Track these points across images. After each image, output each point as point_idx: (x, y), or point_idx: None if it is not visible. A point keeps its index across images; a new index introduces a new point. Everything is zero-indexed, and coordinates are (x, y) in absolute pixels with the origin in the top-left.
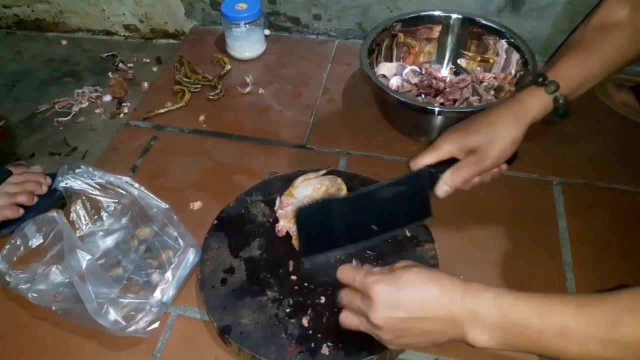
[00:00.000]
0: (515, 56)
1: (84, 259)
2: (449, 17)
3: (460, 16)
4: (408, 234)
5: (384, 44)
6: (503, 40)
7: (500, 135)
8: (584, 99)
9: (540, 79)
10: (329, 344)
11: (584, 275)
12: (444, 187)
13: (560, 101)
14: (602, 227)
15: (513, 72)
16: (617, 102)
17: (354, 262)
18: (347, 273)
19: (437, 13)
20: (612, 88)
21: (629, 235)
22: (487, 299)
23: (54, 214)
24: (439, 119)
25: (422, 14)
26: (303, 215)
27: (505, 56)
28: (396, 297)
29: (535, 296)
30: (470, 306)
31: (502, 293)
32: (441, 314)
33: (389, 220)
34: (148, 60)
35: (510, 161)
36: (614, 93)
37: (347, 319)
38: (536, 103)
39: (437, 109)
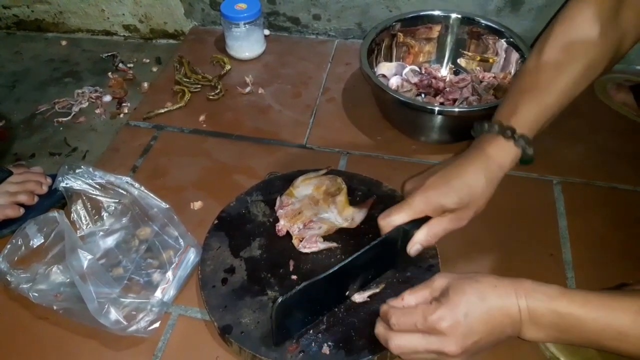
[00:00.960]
0: (515, 56)
1: (85, 258)
2: (449, 17)
3: (459, 16)
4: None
5: (384, 44)
6: (502, 40)
7: (477, 196)
8: (583, 99)
9: (509, 132)
10: (329, 343)
11: (585, 274)
12: (416, 246)
13: (529, 153)
14: (603, 226)
15: (512, 71)
16: (617, 102)
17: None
18: (406, 319)
19: (436, 13)
20: (611, 88)
21: (629, 234)
22: (541, 301)
23: (55, 214)
24: (438, 119)
25: (422, 13)
26: (284, 308)
27: (504, 56)
28: (466, 327)
29: (590, 297)
30: (526, 305)
31: (555, 294)
32: (504, 320)
33: (361, 281)
34: (148, 61)
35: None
36: (613, 93)
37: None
38: (507, 158)
39: (436, 109)
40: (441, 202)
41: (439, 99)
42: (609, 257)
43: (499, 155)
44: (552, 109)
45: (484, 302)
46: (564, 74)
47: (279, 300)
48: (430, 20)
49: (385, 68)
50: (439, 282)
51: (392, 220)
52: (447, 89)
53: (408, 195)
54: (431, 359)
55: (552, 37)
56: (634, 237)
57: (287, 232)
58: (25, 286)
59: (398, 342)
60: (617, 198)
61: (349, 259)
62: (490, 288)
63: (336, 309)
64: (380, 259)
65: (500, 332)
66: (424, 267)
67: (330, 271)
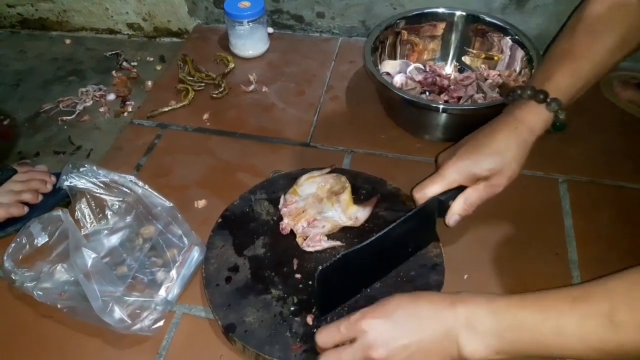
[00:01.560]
0: (520, 53)
1: (89, 257)
2: (453, 14)
3: (464, 13)
4: None
5: (388, 42)
6: (507, 38)
7: (509, 161)
8: (589, 96)
9: (542, 96)
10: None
11: (590, 273)
12: (454, 216)
13: (561, 117)
14: (608, 225)
15: (518, 69)
16: (623, 100)
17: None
18: (327, 332)
19: (441, 10)
20: (617, 85)
21: (635, 232)
22: (479, 304)
23: (59, 212)
24: (443, 117)
25: (426, 11)
26: (325, 276)
27: (509, 53)
28: (391, 325)
29: (527, 296)
30: (464, 314)
31: (493, 297)
32: (436, 328)
33: (399, 254)
34: (152, 59)
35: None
36: (619, 90)
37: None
38: (539, 121)
39: (441, 107)
40: (473, 170)
41: (444, 96)
42: (614, 256)
43: (530, 119)
44: (587, 76)
45: (415, 306)
46: (599, 42)
47: (320, 268)
48: (435, 17)
49: (389, 66)
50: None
51: (426, 191)
52: (452, 87)
53: (440, 167)
54: None
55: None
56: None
57: (291, 230)
58: (29, 285)
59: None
60: (623, 197)
61: (386, 229)
62: (426, 297)
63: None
64: (418, 232)
65: (439, 348)
66: (428, 265)
67: (368, 241)
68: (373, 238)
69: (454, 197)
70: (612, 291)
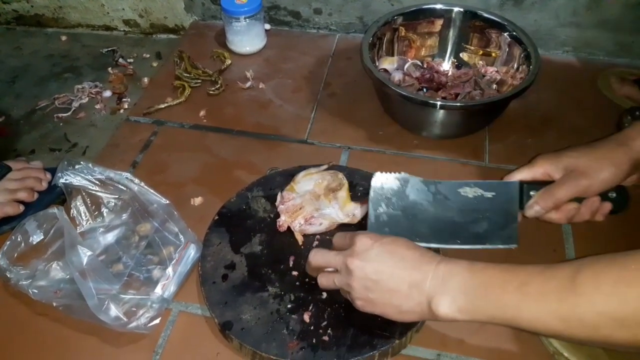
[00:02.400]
0: (518, 50)
1: (84, 255)
2: (451, 11)
3: (462, 9)
4: None
5: (385, 38)
6: (505, 34)
7: (599, 155)
8: (586, 92)
9: (638, 112)
10: (330, 339)
11: None
12: (535, 206)
13: None
14: (605, 222)
15: (515, 65)
16: (620, 95)
17: None
18: (322, 252)
19: (438, 6)
20: (615, 81)
21: (632, 229)
22: (459, 265)
23: (54, 210)
24: (440, 113)
25: (424, 7)
26: (378, 185)
27: (507, 50)
28: (376, 249)
29: (505, 264)
30: (442, 272)
31: (474, 262)
32: (412, 275)
33: (469, 230)
34: (148, 56)
35: (617, 205)
36: (617, 86)
37: (324, 279)
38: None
39: (439, 103)
40: (561, 158)
41: (441, 93)
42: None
43: (631, 131)
44: None
45: (407, 249)
46: None
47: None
48: (433, 14)
49: (386, 62)
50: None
51: (513, 176)
52: (449, 84)
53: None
54: (338, 280)
55: None
56: (637, 232)
57: (288, 227)
58: (24, 283)
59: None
60: None
61: (455, 181)
62: (421, 250)
63: (338, 304)
64: (495, 214)
65: (406, 291)
66: None
67: (432, 180)
68: (437, 181)
69: (538, 190)
70: (581, 260)
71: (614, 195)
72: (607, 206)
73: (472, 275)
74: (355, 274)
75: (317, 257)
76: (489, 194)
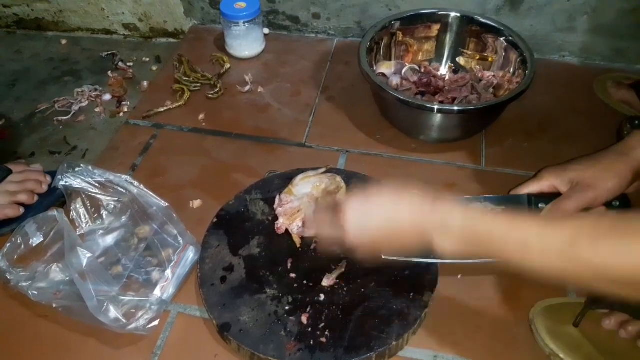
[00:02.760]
0: (514, 54)
1: (84, 257)
2: (448, 16)
3: (458, 14)
4: None
5: (383, 43)
6: (502, 39)
7: (603, 166)
8: (583, 97)
9: (637, 121)
10: (328, 340)
11: None
12: None
13: None
14: None
15: (512, 70)
16: (616, 100)
17: None
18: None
19: (435, 11)
20: (611, 86)
21: None
22: (457, 210)
23: (54, 212)
24: (438, 117)
25: (421, 12)
26: None
27: (504, 54)
28: (372, 195)
29: (504, 215)
30: (441, 213)
31: (471, 208)
32: (412, 213)
33: None
34: (147, 59)
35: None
36: (613, 91)
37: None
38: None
39: (436, 107)
40: (566, 170)
41: (439, 97)
42: None
43: (632, 140)
44: None
45: (402, 192)
46: None
47: None
48: (430, 19)
49: (384, 67)
50: None
51: (520, 190)
52: (447, 88)
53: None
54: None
55: None
56: None
57: (286, 230)
58: (24, 284)
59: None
60: None
61: (466, 197)
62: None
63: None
64: None
65: (407, 212)
66: (422, 265)
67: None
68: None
69: (547, 203)
70: (583, 222)
71: (618, 203)
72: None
73: (471, 225)
74: (349, 206)
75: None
76: (499, 208)
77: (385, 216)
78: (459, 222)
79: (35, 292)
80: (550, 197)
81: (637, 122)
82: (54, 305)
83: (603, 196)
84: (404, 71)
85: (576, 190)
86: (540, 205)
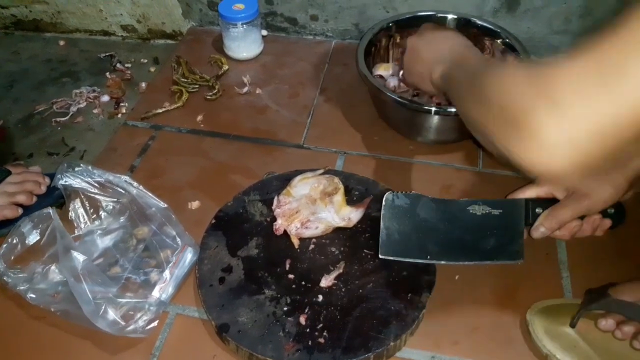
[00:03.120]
0: (511, 57)
1: (79, 260)
2: (445, 18)
3: (456, 17)
4: None
5: (381, 45)
6: (498, 41)
7: (600, 178)
8: None
9: None
10: (326, 341)
11: (580, 274)
12: (540, 228)
13: None
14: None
15: None
16: None
17: None
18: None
19: (433, 14)
20: None
21: (624, 234)
22: (455, 51)
23: (49, 210)
24: (435, 119)
25: (418, 14)
26: (390, 200)
27: (501, 57)
28: (422, 38)
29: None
30: (444, 55)
31: (467, 48)
32: (435, 53)
33: (477, 246)
34: (146, 61)
35: (616, 220)
36: None
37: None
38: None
39: (433, 109)
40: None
41: (436, 99)
42: (604, 257)
43: (632, 153)
44: None
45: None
46: None
47: (388, 192)
48: (427, 21)
49: (382, 69)
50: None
51: (518, 194)
52: None
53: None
54: None
55: None
56: (629, 237)
57: (285, 231)
58: (22, 287)
59: None
60: None
61: (463, 199)
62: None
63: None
64: (502, 230)
65: (427, 55)
66: (420, 266)
67: (442, 199)
68: (446, 199)
69: (544, 208)
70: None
71: (612, 211)
72: (607, 222)
73: (454, 55)
74: (407, 50)
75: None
76: (496, 212)
77: (421, 49)
78: (449, 57)
79: (33, 296)
80: (546, 202)
81: None
82: (52, 309)
83: (598, 205)
84: (401, 73)
85: (572, 199)
86: (537, 210)
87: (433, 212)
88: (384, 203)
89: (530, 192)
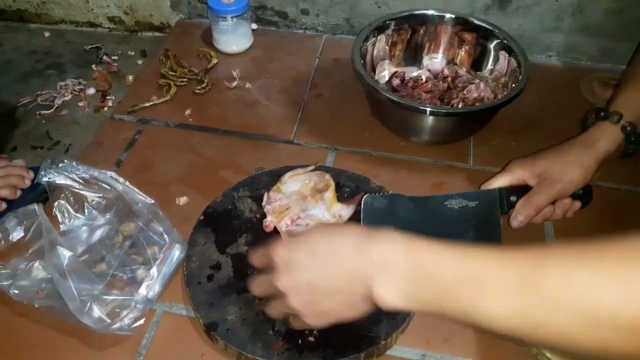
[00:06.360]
0: (507, 57)
1: (65, 256)
2: (443, 17)
3: (453, 16)
4: None
5: (378, 42)
6: (496, 41)
7: (569, 159)
8: (569, 97)
9: (602, 113)
10: (316, 339)
11: None
12: (519, 217)
13: (628, 128)
14: (588, 224)
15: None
16: (602, 100)
17: None
18: (256, 255)
19: (430, 12)
20: (597, 86)
21: (614, 232)
22: (399, 244)
23: (34, 206)
24: (430, 120)
25: (415, 12)
26: (369, 203)
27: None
28: (296, 255)
29: (454, 244)
30: (379, 254)
31: (416, 238)
32: (347, 266)
33: (460, 237)
34: (133, 53)
35: (584, 201)
36: (599, 91)
37: (271, 311)
38: (604, 133)
39: (428, 109)
40: (534, 164)
41: (430, 100)
42: None
43: (596, 132)
44: None
45: (328, 240)
46: None
47: (366, 194)
48: (424, 19)
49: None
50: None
51: (490, 184)
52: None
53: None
54: (283, 307)
55: None
56: (616, 231)
57: (275, 228)
58: (5, 283)
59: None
60: (603, 197)
61: (440, 195)
62: (342, 232)
63: None
64: (479, 222)
65: (347, 287)
66: None
67: (418, 196)
68: (424, 196)
69: (518, 196)
70: (547, 246)
71: (581, 192)
72: (577, 204)
73: (411, 261)
74: (291, 295)
75: (255, 288)
76: (472, 204)
77: (328, 291)
78: (402, 259)
79: (17, 291)
80: (519, 189)
81: (602, 114)
82: (36, 305)
83: (570, 188)
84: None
85: (544, 184)
86: (511, 198)
87: (412, 211)
88: (362, 206)
89: (502, 181)
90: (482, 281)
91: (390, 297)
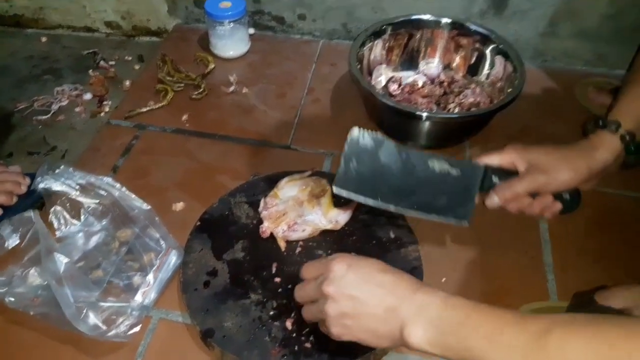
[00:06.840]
0: (504, 61)
1: (61, 262)
2: (439, 22)
3: (449, 20)
4: (392, 235)
5: (375, 47)
6: (492, 46)
7: (562, 157)
8: (564, 102)
9: (601, 122)
10: (312, 345)
11: (565, 276)
12: (494, 197)
13: (627, 138)
14: (583, 229)
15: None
16: (597, 105)
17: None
18: (308, 266)
19: (426, 17)
20: (592, 91)
21: (609, 237)
22: (438, 297)
23: (30, 214)
24: (426, 125)
25: (412, 17)
26: (356, 139)
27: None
28: (353, 273)
29: (482, 304)
30: (419, 301)
31: (452, 296)
32: (389, 300)
33: (431, 199)
34: (130, 58)
35: (568, 206)
36: (593, 96)
37: (307, 312)
38: (602, 142)
39: (424, 114)
40: (528, 151)
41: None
42: (589, 260)
43: (595, 140)
44: None
45: (384, 274)
46: None
47: (355, 127)
48: (421, 23)
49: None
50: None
51: (481, 158)
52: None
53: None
54: (317, 309)
55: None
56: (614, 240)
57: (271, 234)
58: (0, 291)
59: (296, 289)
60: (598, 201)
61: (427, 153)
62: (398, 274)
63: None
64: (456, 191)
65: (383, 318)
66: (407, 268)
67: (405, 147)
68: (411, 149)
69: (500, 178)
70: (558, 316)
71: (567, 197)
72: (557, 206)
73: (447, 310)
74: (331, 301)
75: (298, 291)
76: (454, 172)
77: (364, 312)
78: (433, 310)
79: (12, 299)
80: (505, 173)
81: (600, 122)
82: (32, 313)
83: (553, 185)
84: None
85: (529, 173)
86: (493, 178)
87: (394, 159)
88: (348, 139)
89: (494, 159)
90: (494, 338)
91: (416, 337)
